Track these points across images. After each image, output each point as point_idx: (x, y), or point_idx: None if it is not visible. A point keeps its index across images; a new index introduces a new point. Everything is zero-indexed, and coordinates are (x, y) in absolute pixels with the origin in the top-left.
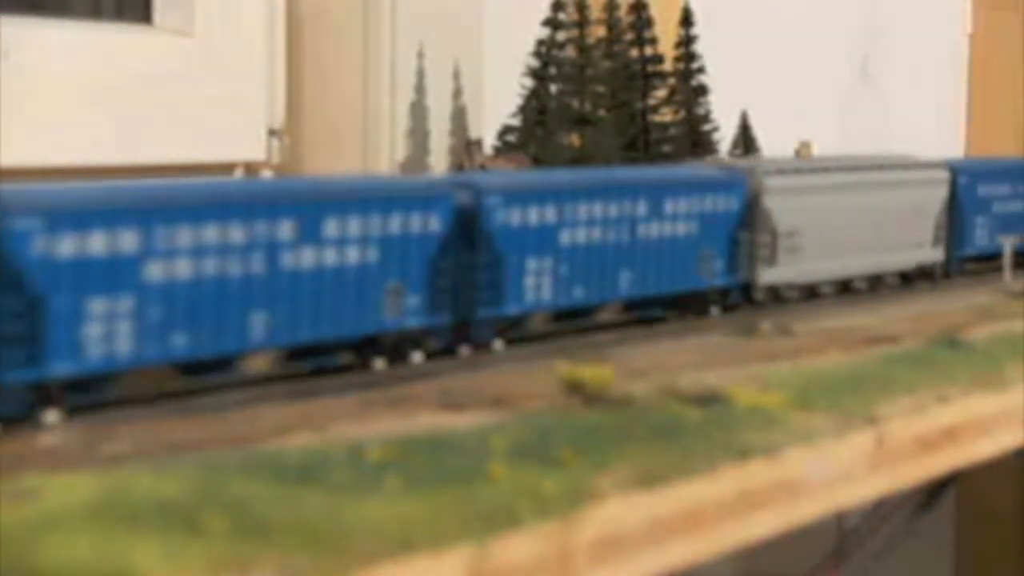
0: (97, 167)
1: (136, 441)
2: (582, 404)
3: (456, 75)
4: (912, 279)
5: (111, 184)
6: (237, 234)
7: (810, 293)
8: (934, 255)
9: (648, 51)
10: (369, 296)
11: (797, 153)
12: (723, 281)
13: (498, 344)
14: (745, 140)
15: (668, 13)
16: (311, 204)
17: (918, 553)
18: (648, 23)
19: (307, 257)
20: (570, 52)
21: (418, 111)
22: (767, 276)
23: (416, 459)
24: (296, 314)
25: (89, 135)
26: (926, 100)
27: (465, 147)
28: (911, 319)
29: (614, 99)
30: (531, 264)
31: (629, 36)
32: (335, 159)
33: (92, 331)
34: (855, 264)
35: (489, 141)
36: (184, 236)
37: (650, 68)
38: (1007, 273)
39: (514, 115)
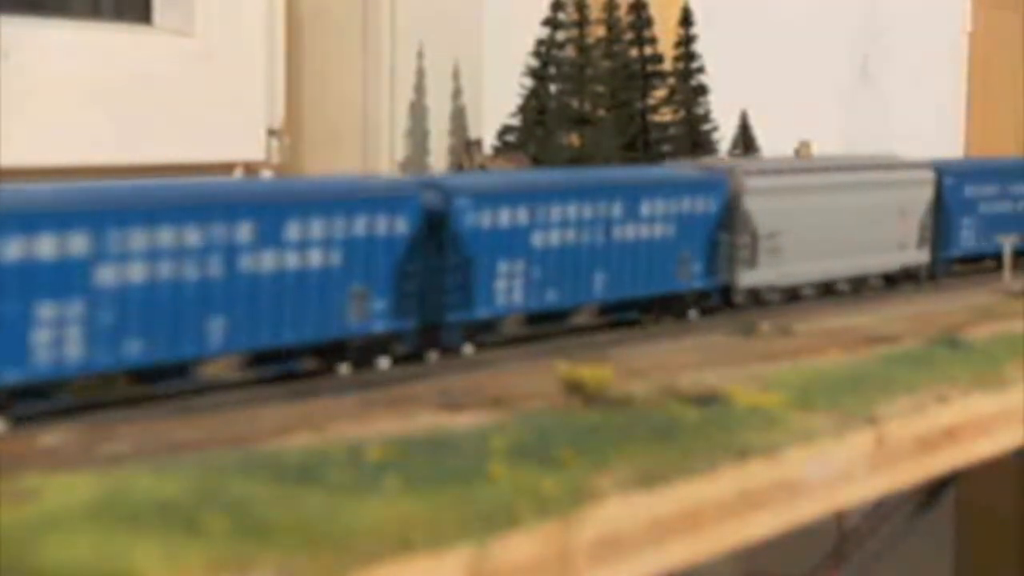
0: (97, 167)
1: (136, 441)
2: (582, 404)
3: (456, 75)
4: (897, 281)
5: (60, 185)
6: (193, 237)
7: (792, 296)
8: (919, 257)
9: (648, 51)
10: (333, 300)
11: (797, 153)
12: (702, 284)
13: (468, 348)
14: (745, 140)
15: (668, 13)
16: (271, 206)
17: (918, 553)
18: (648, 23)
19: (267, 260)
20: (570, 52)
21: (418, 111)
22: (747, 278)
23: (416, 459)
24: (256, 319)
25: (89, 135)
26: (926, 100)
27: (465, 147)
28: (911, 319)
29: (614, 99)
30: (502, 267)
31: (629, 36)
32: (335, 159)
33: (40, 337)
34: (838, 266)
35: (489, 141)
36: (137, 239)
37: (650, 68)
38: (1007, 273)
39: (514, 115)
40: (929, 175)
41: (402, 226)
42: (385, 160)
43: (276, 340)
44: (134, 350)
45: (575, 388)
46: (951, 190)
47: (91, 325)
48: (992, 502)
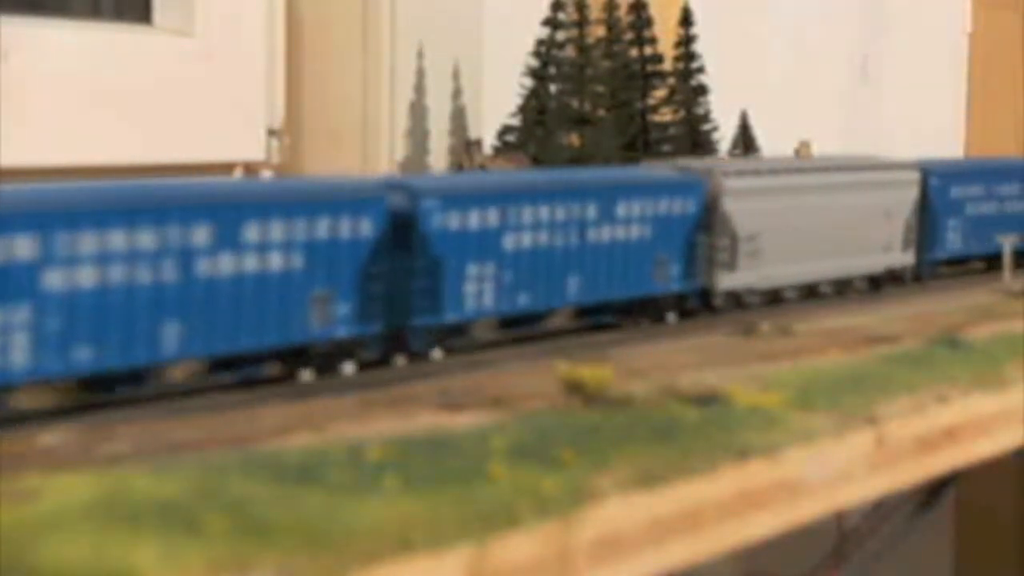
0: (97, 167)
1: (136, 441)
2: (582, 404)
3: (456, 75)
4: (881, 283)
5: (4, 188)
6: (146, 240)
7: (773, 298)
8: (904, 259)
9: (648, 51)
10: (294, 305)
11: (797, 153)
12: (680, 286)
13: (437, 353)
14: (745, 140)
15: (668, 13)
16: (228, 207)
17: (918, 553)
18: (648, 23)
19: (225, 264)
20: (570, 52)
21: (418, 111)
22: (726, 281)
23: (416, 459)
24: (214, 324)
25: (88, 135)
26: (926, 100)
27: (465, 147)
28: (911, 319)
29: (614, 99)
30: (471, 270)
31: (629, 36)
32: (335, 159)
33: None
34: (821, 268)
35: (489, 141)
36: (87, 242)
37: (650, 68)
38: (1006, 273)
39: (514, 115)
40: (914, 176)
41: (367, 228)
42: (385, 160)
43: (235, 346)
44: (84, 357)
45: (575, 388)
46: (937, 191)
47: (38, 331)
48: (992, 502)
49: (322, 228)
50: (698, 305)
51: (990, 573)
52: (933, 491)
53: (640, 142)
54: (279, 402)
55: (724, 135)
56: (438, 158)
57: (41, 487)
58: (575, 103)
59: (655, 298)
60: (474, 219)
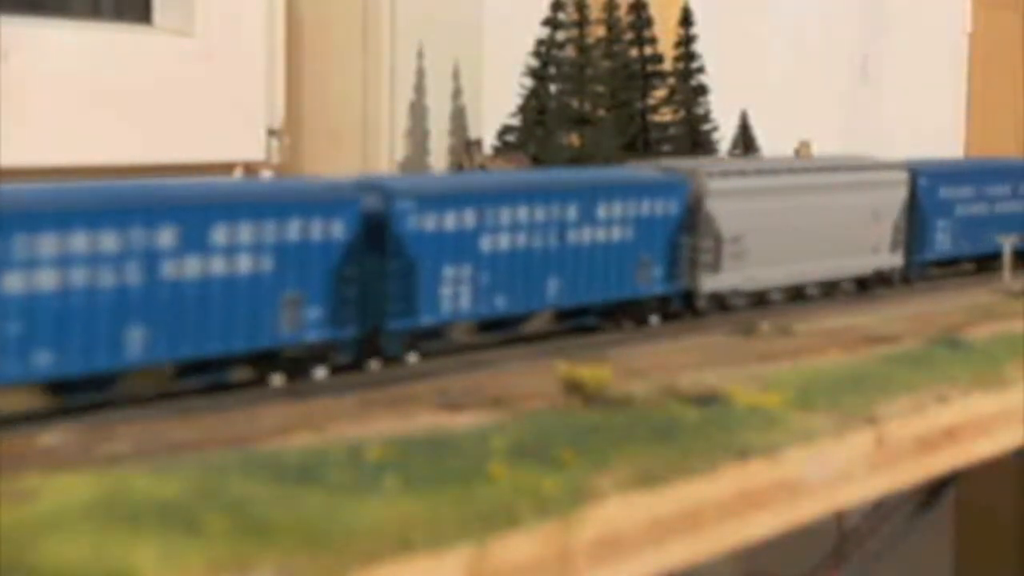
0: (96, 167)
1: (135, 441)
2: (582, 404)
3: (456, 75)
4: (869, 285)
5: None
6: (109, 242)
7: (758, 300)
8: (892, 260)
9: (648, 51)
10: (264, 308)
11: (797, 153)
12: (663, 289)
13: (412, 357)
14: (745, 140)
15: (668, 13)
16: (195, 209)
17: (918, 553)
18: (648, 23)
19: (191, 266)
20: (570, 52)
21: (418, 111)
22: (710, 283)
23: (416, 459)
24: (180, 328)
25: (88, 135)
26: (926, 100)
27: (465, 147)
28: (911, 319)
29: (614, 99)
30: (448, 272)
31: (629, 36)
32: (335, 159)
33: None
34: (807, 270)
35: (489, 141)
36: (47, 244)
37: (650, 68)
38: (1006, 273)
39: (514, 115)
40: (902, 176)
41: (339, 230)
42: (385, 160)
43: (202, 350)
44: (44, 362)
45: (575, 388)
46: (925, 191)
47: None
48: (992, 502)
49: (293, 230)
50: (681, 307)
51: (990, 573)
52: (933, 491)
53: (640, 142)
54: (279, 402)
55: (724, 135)
56: (438, 158)
57: (41, 487)
58: (575, 103)
59: (638, 300)
60: (450, 220)
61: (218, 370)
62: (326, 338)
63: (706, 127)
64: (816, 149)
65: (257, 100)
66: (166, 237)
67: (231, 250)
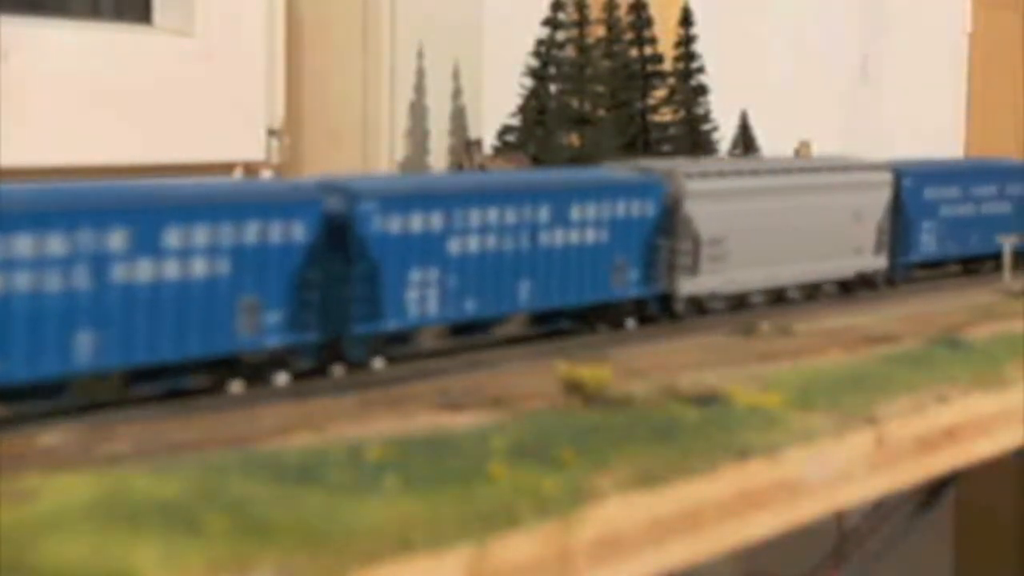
0: (96, 167)
1: (135, 441)
2: (582, 404)
3: (456, 75)
4: (852, 288)
5: None
6: (56, 245)
7: (738, 304)
8: (876, 262)
9: (648, 51)
10: (220, 313)
11: (797, 153)
12: (639, 292)
13: (378, 362)
14: (745, 140)
15: (668, 13)
16: (147, 211)
17: (918, 553)
18: (648, 23)
19: (143, 270)
20: (570, 52)
21: (418, 111)
22: (688, 286)
23: (416, 459)
24: (131, 333)
25: (88, 135)
26: (926, 100)
27: (465, 147)
28: (911, 319)
29: (614, 99)
30: (414, 275)
31: (629, 36)
32: (335, 159)
33: None
34: (788, 273)
35: (489, 141)
36: None
37: (650, 68)
38: (1006, 273)
39: (514, 115)
40: (886, 177)
41: (300, 232)
42: (385, 160)
43: (155, 356)
44: None
45: (575, 388)
46: (910, 192)
47: None
48: (992, 502)
49: (251, 232)
50: (659, 311)
51: (990, 573)
52: (933, 491)
53: (640, 142)
54: (279, 402)
55: (724, 135)
56: (438, 158)
57: (41, 487)
58: (575, 103)
59: (613, 304)
60: (416, 222)
61: (174, 376)
62: (286, 343)
63: (706, 127)
64: (816, 149)
65: (257, 100)
66: (116, 240)
67: (185, 253)
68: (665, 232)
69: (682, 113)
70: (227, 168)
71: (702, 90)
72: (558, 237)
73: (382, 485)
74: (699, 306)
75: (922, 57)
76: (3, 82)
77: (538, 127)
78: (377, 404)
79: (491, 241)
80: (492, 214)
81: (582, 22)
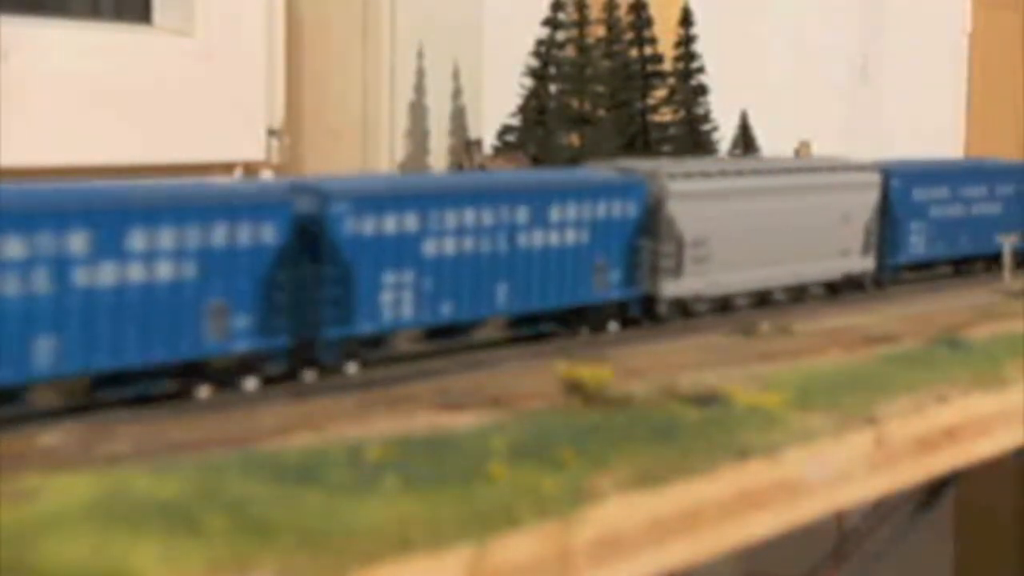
0: (96, 167)
1: (135, 441)
2: (582, 404)
3: (456, 75)
4: (839, 290)
5: None
6: (14, 248)
7: (723, 306)
8: (863, 264)
9: (648, 51)
10: (186, 317)
11: (797, 153)
12: (620, 294)
13: (351, 367)
14: (745, 140)
15: (668, 13)
16: (109, 213)
17: (918, 553)
18: (648, 23)
19: (106, 274)
20: (570, 52)
21: (418, 111)
22: (671, 288)
23: (415, 459)
24: (94, 338)
25: (88, 135)
26: (926, 100)
27: (465, 147)
28: (911, 319)
29: (614, 99)
30: (388, 278)
31: (629, 36)
32: (335, 159)
33: None
34: (773, 274)
35: (489, 141)
36: None
37: (650, 68)
38: (1006, 273)
39: (514, 115)
40: (874, 178)
41: (269, 234)
42: (385, 160)
43: (118, 362)
44: None
45: (575, 388)
46: (898, 193)
47: None
48: (992, 502)
49: (218, 235)
50: (641, 313)
51: (990, 573)
52: (933, 491)
53: (640, 142)
54: (279, 402)
55: (724, 135)
56: (438, 158)
57: (41, 487)
58: (575, 103)
59: (595, 306)
60: (390, 224)
61: (139, 382)
62: (256, 348)
63: (706, 127)
64: (816, 149)
65: (257, 100)
66: (77, 242)
67: (150, 256)
68: (647, 233)
69: (682, 113)
70: (227, 168)
71: (702, 90)
72: (537, 238)
73: (382, 485)
74: (683, 308)
75: (922, 57)
76: (3, 82)
77: (538, 127)
78: (377, 404)
79: (468, 243)
80: (468, 215)
81: (582, 22)
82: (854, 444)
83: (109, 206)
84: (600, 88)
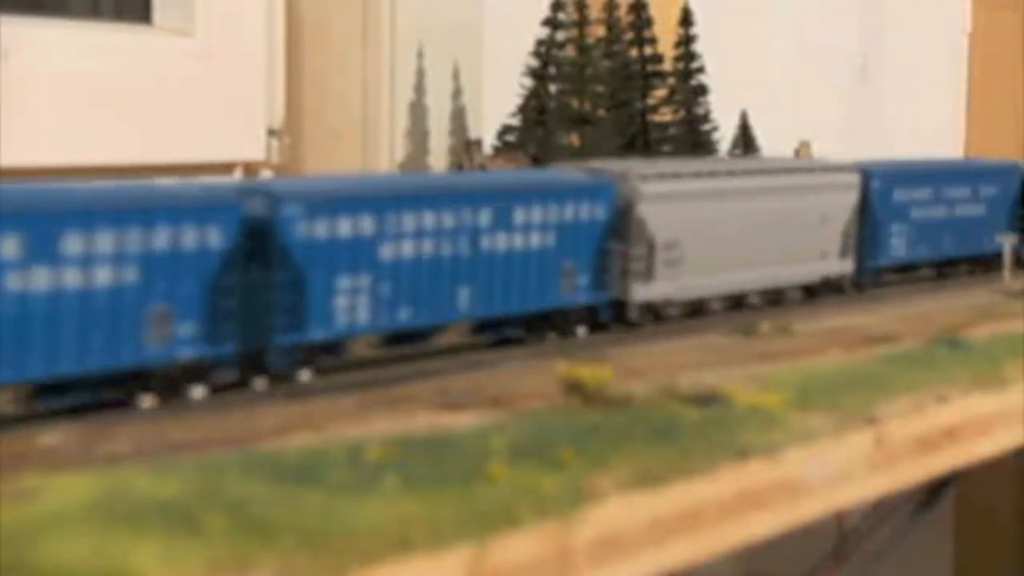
0: (96, 167)
1: (135, 441)
2: (582, 404)
3: (456, 75)
4: (817, 293)
5: None
6: None
7: (695, 310)
8: (842, 267)
9: (647, 51)
10: (125, 324)
11: (797, 153)
12: (589, 298)
13: (304, 374)
14: (745, 140)
15: (668, 13)
16: (41, 216)
17: (918, 553)
18: (648, 23)
19: (39, 279)
20: (570, 52)
21: (418, 111)
22: (642, 292)
23: (415, 459)
24: (27, 347)
25: (88, 135)
26: (926, 100)
27: (465, 147)
28: (911, 319)
29: (614, 99)
30: (343, 282)
31: (629, 36)
32: (335, 159)
33: None
34: (749, 278)
35: (489, 141)
36: None
37: (650, 68)
38: (1006, 273)
39: (514, 115)
40: (853, 179)
41: (216, 238)
42: (385, 160)
43: (52, 370)
44: None
45: (575, 388)
46: (879, 194)
47: None
48: (992, 502)
49: (161, 238)
50: (611, 318)
51: (990, 573)
52: (933, 491)
53: (640, 142)
54: (279, 402)
55: (724, 135)
56: (438, 158)
57: (41, 487)
58: (575, 103)
59: (562, 311)
60: (344, 227)
61: (81, 391)
62: (201, 355)
63: (706, 127)
64: (816, 149)
65: (257, 100)
66: (8, 247)
67: (87, 261)
68: (617, 236)
69: (682, 113)
70: (227, 168)
71: (702, 90)
72: (501, 241)
73: (382, 485)
74: (655, 313)
75: (922, 57)
76: (3, 82)
77: (538, 127)
78: (377, 404)
79: (427, 246)
80: (428, 218)
81: (582, 22)
82: (854, 444)
83: (41, 209)
84: (600, 88)
